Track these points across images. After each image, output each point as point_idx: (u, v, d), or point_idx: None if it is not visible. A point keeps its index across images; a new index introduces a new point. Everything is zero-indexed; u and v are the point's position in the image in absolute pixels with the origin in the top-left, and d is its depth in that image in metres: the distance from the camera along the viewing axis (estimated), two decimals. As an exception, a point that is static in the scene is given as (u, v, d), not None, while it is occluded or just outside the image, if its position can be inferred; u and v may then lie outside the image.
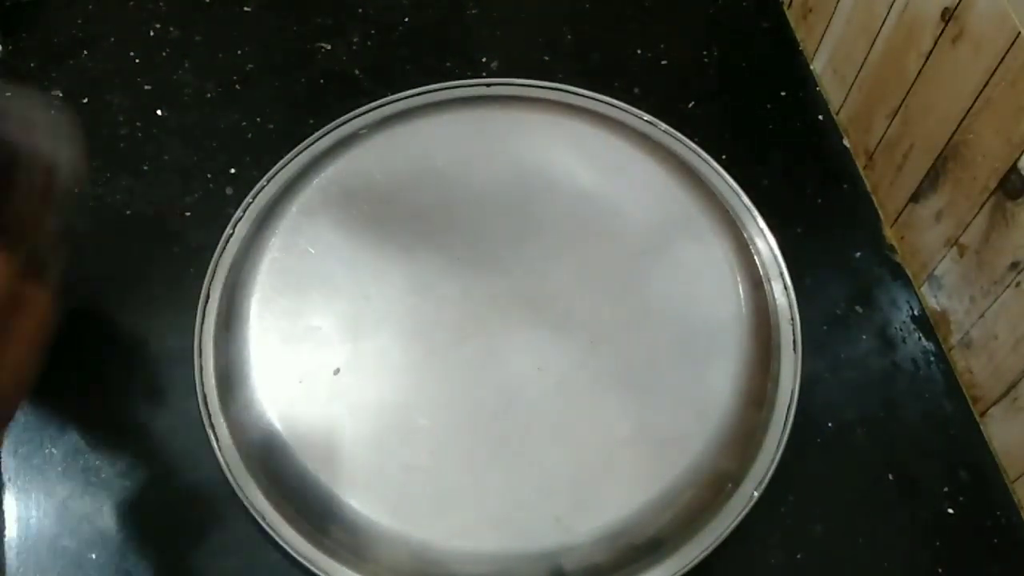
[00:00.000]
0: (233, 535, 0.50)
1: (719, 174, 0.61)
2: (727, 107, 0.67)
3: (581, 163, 0.59)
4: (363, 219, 0.56)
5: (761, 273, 0.56)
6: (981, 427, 0.55)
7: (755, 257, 0.57)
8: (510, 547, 0.47)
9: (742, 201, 0.60)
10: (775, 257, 0.57)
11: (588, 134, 0.60)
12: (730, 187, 0.60)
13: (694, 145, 0.61)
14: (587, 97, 0.63)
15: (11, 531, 0.50)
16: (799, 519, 0.52)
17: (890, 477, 0.53)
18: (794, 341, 0.55)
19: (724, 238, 0.56)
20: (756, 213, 0.59)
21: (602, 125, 0.61)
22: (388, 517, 0.47)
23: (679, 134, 0.62)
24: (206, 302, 0.55)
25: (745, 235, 0.58)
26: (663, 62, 0.69)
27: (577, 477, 0.48)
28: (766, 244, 0.58)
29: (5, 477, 0.51)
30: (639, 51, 0.70)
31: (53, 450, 0.52)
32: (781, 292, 0.56)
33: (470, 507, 0.48)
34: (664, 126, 0.62)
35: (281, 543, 0.48)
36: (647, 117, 0.62)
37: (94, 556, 0.49)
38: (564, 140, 0.60)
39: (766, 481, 0.50)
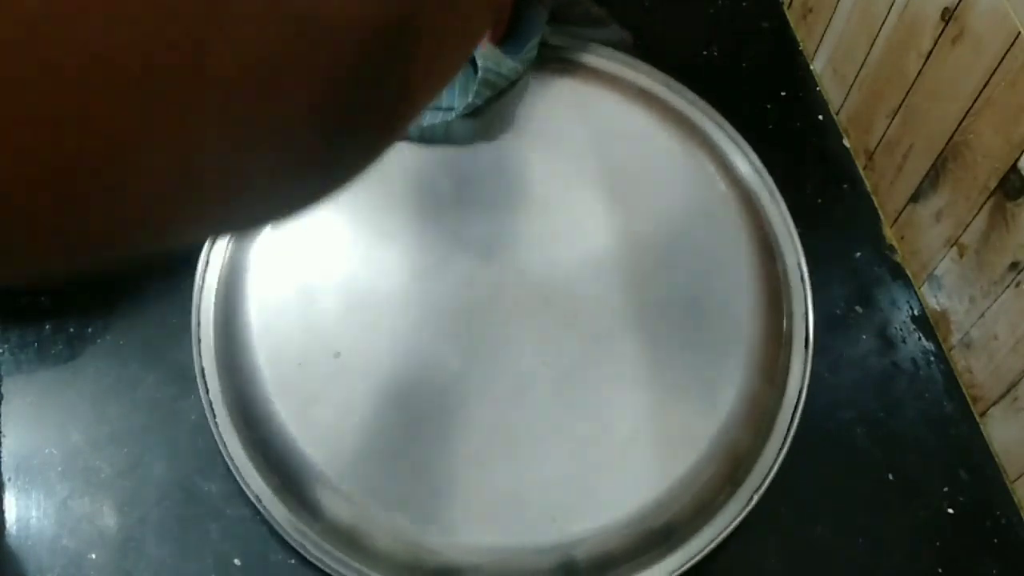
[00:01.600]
0: (233, 530, 0.50)
1: (744, 154, 0.58)
2: (727, 107, 0.67)
3: (593, 147, 0.57)
4: (367, 201, 0.55)
5: (779, 268, 0.55)
6: (981, 427, 0.55)
7: (773, 247, 0.56)
8: (516, 540, 0.47)
9: (765, 184, 0.57)
10: (795, 244, 0.56)
11: (605, 115, 0.58)
12: (753, 168, 0.58)
13: (722, 120, 0.59)
14: (602, 70, 0.60)
15: (11, 531, 0.50)
16: (799, 519, 0.52)
17: (890, 477, 0.53)
18: (806, 339, 0.54)
19: (741, 229, 0.55)
20: (779, 196, 0.57)
21: (623, 102, 0.59)
22: (388, 506, 0.47)
23: (709, 106, 0.59)
24: (202, 290, 0.54)
25: (765, 225, 0.56)
26: (663, 62, 0.69)
27: (581, 471, 0.48)
28: (785, 228, 0.57)
29: (5, 477, 0.51)
30: (639, 51, 0.69)
31: (53, 450, 0.52)
32: (798, 282, 0.55)
33: (473, 496, 0.47)
34: (690, 94, 0.60)
35: (279, 529, 0.47)
36: (672, 84, 0.60)
37: (94, 556, 0.49)
38: (578, 119, 0.58)
39: (767, 482, 0.50)
